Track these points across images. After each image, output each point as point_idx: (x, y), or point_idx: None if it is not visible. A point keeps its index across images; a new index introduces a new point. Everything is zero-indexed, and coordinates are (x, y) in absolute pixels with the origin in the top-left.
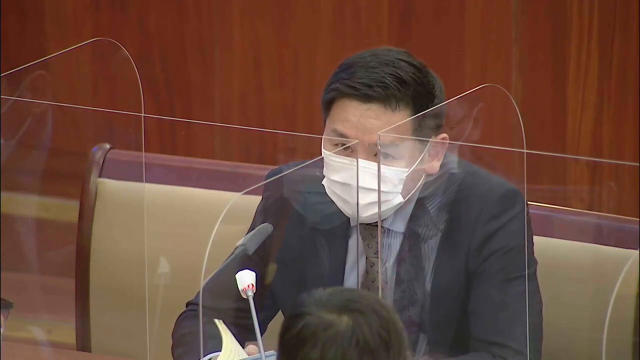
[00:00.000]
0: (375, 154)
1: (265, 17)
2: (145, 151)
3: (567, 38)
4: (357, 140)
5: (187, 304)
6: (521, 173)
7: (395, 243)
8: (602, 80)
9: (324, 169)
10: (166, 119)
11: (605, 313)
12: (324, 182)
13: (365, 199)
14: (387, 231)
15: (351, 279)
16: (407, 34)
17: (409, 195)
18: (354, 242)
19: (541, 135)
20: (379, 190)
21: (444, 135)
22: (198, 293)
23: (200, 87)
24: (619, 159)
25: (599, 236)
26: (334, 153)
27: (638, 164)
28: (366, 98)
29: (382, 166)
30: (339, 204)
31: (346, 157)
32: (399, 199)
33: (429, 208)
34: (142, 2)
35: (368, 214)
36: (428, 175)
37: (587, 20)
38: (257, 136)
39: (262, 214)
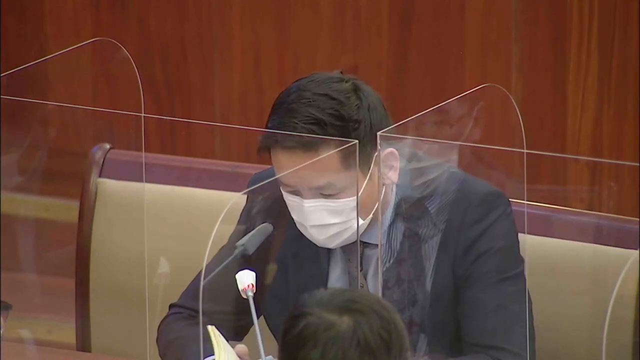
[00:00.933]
0: (318, 194)
1: (265, 17)
2: (145, 151)
3: (567, 38)
4: (356, 141)
5: (171, 306)
6: (521, 173)
7: (373, 254)
8: (602, 80)
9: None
10: (166, 119)
11: (605, 313)
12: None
13: (323, 235)
14: (363, 243)
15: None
16: (407, 34)
17: (374, 210)
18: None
19: (541, 135)
20: (379, 198)
21: (391, 150)
22: (182, 295)
23: (200, 87)
24: (619, 159)
25: (599, 236)
26: (285, 192)
27: (638, 164)
28: (287, 148)
29: (328, 202)
30: (308, 237)
31: (294, 196)
32: (354, 225)
33: (429, 208)
34: (142, 2)
35: (334, 244)
36: (389, 185)
37: (587, 20)
38: (257, 136)
39: (246, 216)
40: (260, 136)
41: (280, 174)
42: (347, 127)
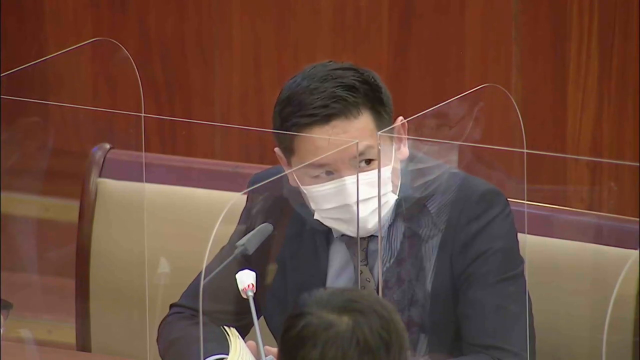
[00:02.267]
0: (353, 168)
1: (265, 17)
2: (145, 151)
3: (567, 38)
4: (357, 141)
5: (171, 306)
6: (521, 173)
7: (376, 248)
8: (602, 80)
9: (312, 204)
10: (166, 119)
11: (605, 313)
12: (316, 216)
13: (366, 210)
14: (369, 238)
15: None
16: (407, 34)
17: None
18: (335, 252)
19: (541, 135)
20: (379, 194)
21: (400, 117)
22: (183, 294)
23: (200, 87)
24: (619, 159)
25: (599, 236)
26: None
27: (638, 164)
28: (326, 119)
29: (367, 173)
30: (342, 228)
31: (330, 182)
32: (393, 197)
33: (430, 209)
34: (142, 2)
35: (372, 223)
36: (401, 160)
37: (587, 20)
38: (257, 136)
39: (246, 216)
40: (283, 124)
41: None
42: (375, 92)
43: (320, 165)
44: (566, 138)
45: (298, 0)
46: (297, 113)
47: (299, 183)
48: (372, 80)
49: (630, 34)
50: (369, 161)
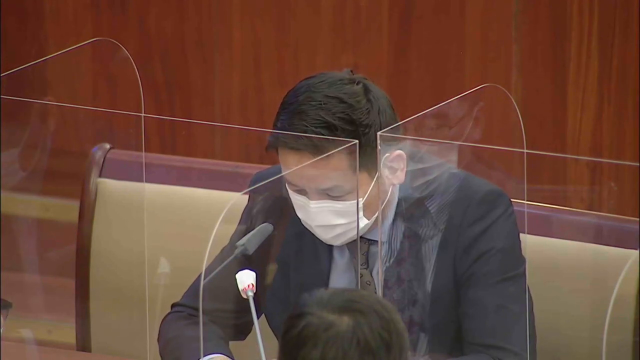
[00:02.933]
0: (325, 195)
1: (265, 17)
2: (145, 151)
3: (567, 38)
4: (356, 141)
5: (173, 305)
6: (521, 173)
7: (377, 251)
8: (602, 80)
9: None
10: (166, 119)
11: (605, 313)
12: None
13: (328, 234)
14: (368, 241)
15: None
16: (407, 34)
17: (381, 207)
18: (338, 251)
19: (541, 135)
20: (379, 197)
21: (398, 152)
22: (185, 294)
23: (200, 87)
24: (619, 159)
25: (599, 236)
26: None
27: (638, 164)
28: (296, 149)
29: (334, 203)
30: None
31: (300, 195)
32: (363, 222)
33: (430, 208)
34: (142, 2)
35: (339, 242)
36: (396, 185)
37: (587, 20)
38: (257, 136)
39: (247, 216)
40: (269, 136)
41: (286, 172)
42: (357, 132)
43: (291, 183)
44: (566, 138)
45: (298, 0)
46: (277, 128)
47: (287, 186)
48: (363, 118)
49: (630, 34)
50: (334, 197)
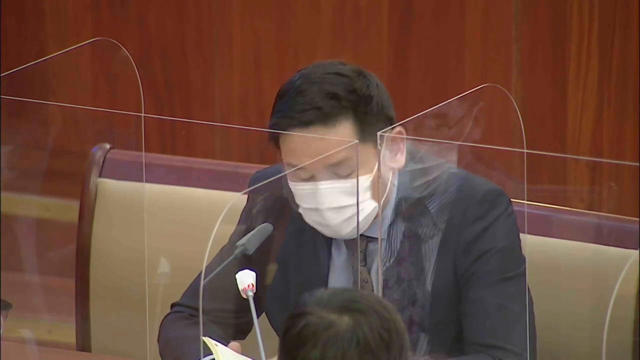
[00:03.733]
0: (334, 175)
1: (265, 17)
2: (145, 151)
3: (567, 38)
4: (356, 141)
5: (172, 305)
6: (521, 173)
7: (376, 250)
8: (602, 80)
9: (295, 199)
10: (166, 119)
11: (605, 313)
12: (300, 211)
13: (338, 218)
14: (367, 238)
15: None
16: (407, 34)
17: (384, 198)
18: (337, 250)
19: (541, 135)
20: (379, 195)
21: (399, 129)
22: (184, 294)
23: (200, 87)
24: (619, 159)
25: (599, 236)
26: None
27: (638, 164)
28: (305, 124)
29: (343, 182)
30: (318, 228)
31: (306, 184)
32: (372, 205)
33: (430, 208)
34: (142, 2)
35: (347, 230)
36: (397, 170)
37: (587, 20)
38: (257, 136)
39: (247, 216)
40: (271, 121)
41: (286, 172)
42: (360, 102)
43: (296, 172)
44: (566, 138)
45: (298, 0)
46: (281, 113)
47: (288, 179)
48: (363, 89)
49: (630, 34)
50: (343, 177)
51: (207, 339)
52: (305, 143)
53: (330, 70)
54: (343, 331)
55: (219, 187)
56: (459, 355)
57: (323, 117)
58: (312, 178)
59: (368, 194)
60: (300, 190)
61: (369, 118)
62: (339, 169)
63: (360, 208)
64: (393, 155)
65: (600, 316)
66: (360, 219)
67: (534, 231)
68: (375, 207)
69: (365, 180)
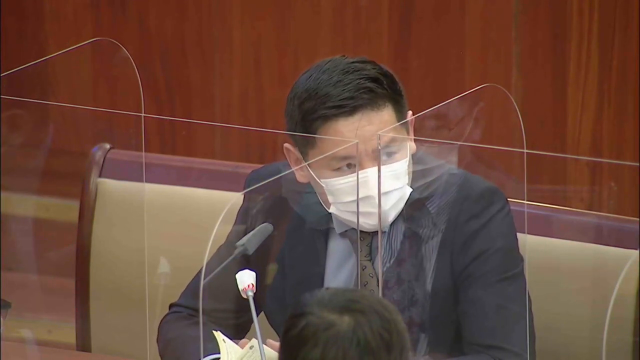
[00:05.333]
0: (384, 153)
1: (265, 17)
2: (145, 151)
3: (567, 38)
4: (356, 141)
5: (171, 306)
6: (521, 173)
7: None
8: (602, 80)
9: (330, 197)
10: (166, 119)
11: (605, 313)
12: (332, 210)
13: (389, 203)
14: (372, 233)
15: (335, 284)
16: (407, 34)
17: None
18: (335, 246)
19: (541, 135)
20: (379, 193)
21: (410, 112)
22: (182, 294)
23: (200, 87)
24: (619, 159)
25: (599, 236)
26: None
27: (638, 164)
28: (353, 110)
29: (389, 167)
30: (362, 221)
31: (353, 175)
32: (408, 190)
33: (430, 208)
34: (142, 2)
35: (393, 215)
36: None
37: (587, 20)
38: (257, 136)
39: (243, 216)
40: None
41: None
42: (397, 88)
43: (343, 158)
44: (566, 138)
45: (298, 0)
46: (322, 105)
47: (315, 177)
48: (390, 73)
49: (630, 34)
50: (390, 154)
51: (217, 333)
52: (359, 128)
53: (349, 60)
54: (344, 331)
55: (219, 187)
56: (458, 355)
57: (373, 99)
58: (355, 169)
59: (405, 179)
60: (344, 184)
61: (402, 101)
62: (390, 148)
63: (403, 192)
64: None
65: (600, 316)
66: (401, 205)
67: (534, 231)
68: (408, 193)
69: (404, 164)
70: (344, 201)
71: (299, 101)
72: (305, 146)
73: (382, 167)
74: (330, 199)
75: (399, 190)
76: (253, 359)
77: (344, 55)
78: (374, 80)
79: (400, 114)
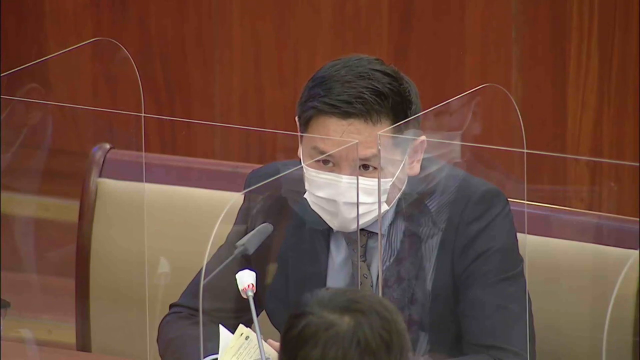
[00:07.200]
0: (358, 167)
1: (265, 17)
2: (145, 151)
3: (567, 38)
4: (357, 141)
5: (171, 306)
6: (521, 173)
7: (377, 246)
8: (602, 80)
9: (306, 183)
10: (166, 119)
11: (606, 312)
12: (306, 196)
13: (352, 213)
14: (367, 233)
15: (336, 284)
16: (407, 34)
17: (395, 199)
18: (335, 248)
19: (541, 135)
20: (379, 195)
21: (423, 137)
22: (182, 294)
23: (200, 87)
24: (619, 159)
25: (599, 236)
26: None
27: (638, 164)
28: (345, 114)
29: (365, 179)
30: (326, 218)
31: (329, 173)
32: (385, 207)
33: (430, 208)
34: (142, 2)
35: (355, 225)
36: (411, 176)
37: (587, 20)
38: (257, 136)
39: (244, 215)
40: (308, 101)
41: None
42: (403, 105)
43: (321, 152)
44: (566, 138)
45: (298, 0)
46: (322, 97)
47: (301, 158)
48: (406, 93)
49: (630, 34)
50: (367, 167)
51: (222, 329)
52: (346, 133)
53: (375, 67)
54: (344, 331)
55: (219, 187)
56: (459, 355)
57: (369, 111)
58: (333, 168)
59: (384, 197)
60: (321, 179)
61: (407, 125)
62: (369, 161)
63: (372, 208)
64: (411, 162)
65: (600, 316)
66: (368, 218)
67: (534, 231)
68: (386, 210)
69: (386, 184)
70: (315, 194)
71: (312, 83)
72: (302, 124)
73: (353, 179)
74: (306, 185)
75: (367, 205)
76: (249, 349)
77: (378, 59)
78: (379, 94)
79: (401, 134)
